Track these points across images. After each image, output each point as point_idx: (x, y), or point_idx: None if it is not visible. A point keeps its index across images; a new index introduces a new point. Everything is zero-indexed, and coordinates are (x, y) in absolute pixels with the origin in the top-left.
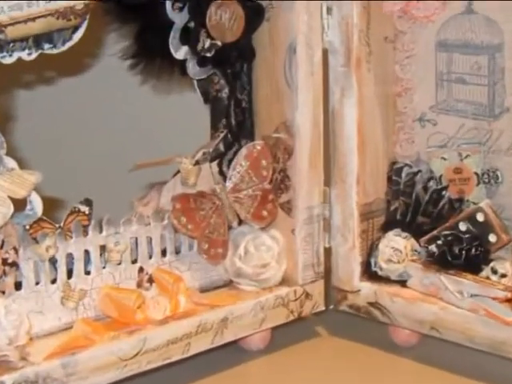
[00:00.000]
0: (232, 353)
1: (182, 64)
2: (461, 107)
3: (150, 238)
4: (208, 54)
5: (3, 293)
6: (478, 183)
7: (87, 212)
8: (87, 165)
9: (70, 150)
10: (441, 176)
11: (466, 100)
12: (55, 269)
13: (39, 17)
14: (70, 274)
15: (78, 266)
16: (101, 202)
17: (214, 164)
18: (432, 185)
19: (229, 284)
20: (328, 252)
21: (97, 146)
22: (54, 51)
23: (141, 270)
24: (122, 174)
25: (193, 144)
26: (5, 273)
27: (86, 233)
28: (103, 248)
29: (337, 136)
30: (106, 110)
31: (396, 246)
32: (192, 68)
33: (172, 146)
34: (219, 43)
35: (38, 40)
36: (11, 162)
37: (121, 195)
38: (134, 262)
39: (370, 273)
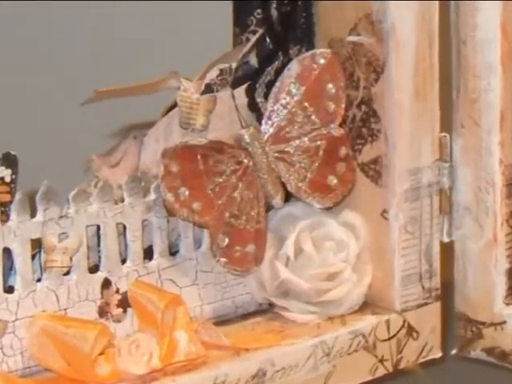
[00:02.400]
0: None
1: None
2: None
3: (124, 227)
4: None
5: None
6: None
7: (8, 179)
8: (11, 96)
9: None
10: None
11: None
12: None
13: None
14: None
15: None
16: (34, 160)
17: (240, 91)
18: None
19: (267, 310)
20: (448, 251)
21: (27, 63)
22: None
23: (107, 284)
24: (71, 111)
25: (201, 55)
26: None
27: (5, 217)
28: (38, 245)
29: (463, 41)
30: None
31: None
32: None
33: (164, 57)
34: None
35: None
36: None
37: (69, 149)
38: (95, 269)
39: None
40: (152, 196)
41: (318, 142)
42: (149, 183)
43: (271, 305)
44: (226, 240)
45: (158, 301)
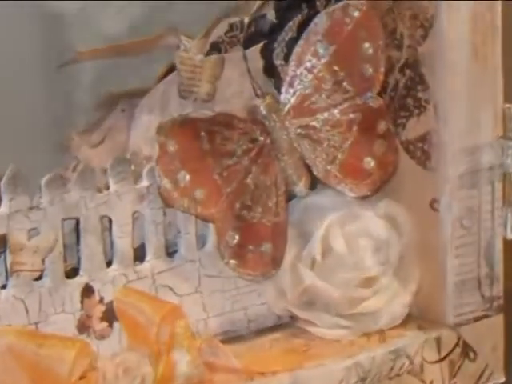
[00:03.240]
0: None
1: None
2: None
3: (110, 221)
4: None
5: None
6: None
7: None
8: None
9: None
10: None
11: None
12: None
13: None
14: None
15: None
16: None
17: (255, 51)
18: None
19: (287, 324)
20: None
21: None
22: None
23: (88, 292)
24: (44, 78)
25: (205, 6)
26: None
27: None
28: (2, 243)
29: None
30: None
31: None
32: None
33: (161, 10)
34: None
35: None
36: None
37: (42, 125)
38: (73, 273)
39: None
40: (144, 182)
41: (352, 115)
42: (140, 166)
43: (293, 318)
44: (237, 237)
45: (152, 312)
